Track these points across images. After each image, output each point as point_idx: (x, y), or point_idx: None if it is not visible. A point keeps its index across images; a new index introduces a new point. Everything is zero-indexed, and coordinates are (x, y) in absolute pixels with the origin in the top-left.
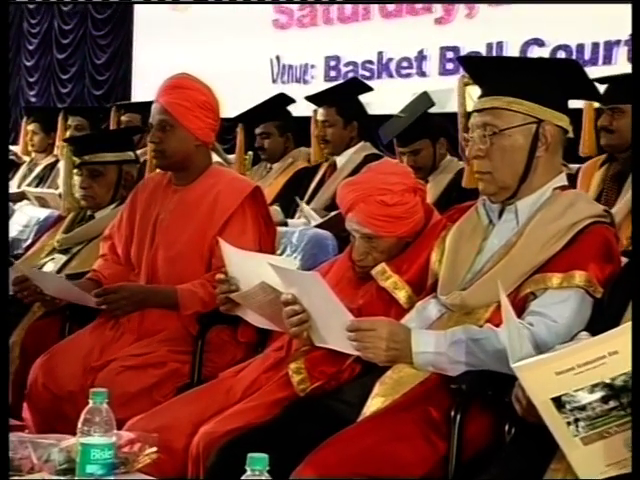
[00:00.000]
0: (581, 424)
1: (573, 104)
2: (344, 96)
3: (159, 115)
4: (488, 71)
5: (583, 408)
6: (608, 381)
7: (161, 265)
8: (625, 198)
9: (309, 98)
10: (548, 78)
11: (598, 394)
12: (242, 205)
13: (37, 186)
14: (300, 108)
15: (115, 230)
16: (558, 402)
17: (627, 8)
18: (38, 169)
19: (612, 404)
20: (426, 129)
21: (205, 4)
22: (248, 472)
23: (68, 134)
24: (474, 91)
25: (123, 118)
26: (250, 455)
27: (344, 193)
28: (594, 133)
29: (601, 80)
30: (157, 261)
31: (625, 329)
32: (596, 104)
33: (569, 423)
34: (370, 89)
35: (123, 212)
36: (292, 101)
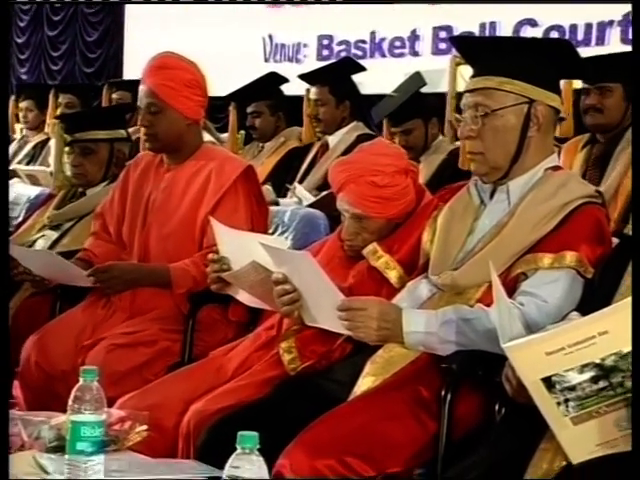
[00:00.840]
0: (571, 404)
1: None
2: (337, 75)
3: (147, 98)
4: (480, 51)
5: (573, 388)
6: (598, 361)
7: (153, 244)
8: (609, 180)
9: (302, 76)
10: (540, 58)
11: (588, 374)
12: (234, 184)
13: (28, 164)
14: (293, 87)
15: (107, 208)
16: (548, 382)
17: None
18: (29, 147)
19: (602, 384)
20: (418, 109)
21: (206, 4)
22: (238, 450)
23: (59, 112)
24: (466, 71)
25: (114, 96)
26: (240, 433)
27: (335, 173)
28: (572, 114)
29: (589, 59)
30: (149, 240)
31: (614, 309)
32: (576, 85)
33: (559, 403)
34: (363, 69)
35: (115, 190)
36: (284, 80)
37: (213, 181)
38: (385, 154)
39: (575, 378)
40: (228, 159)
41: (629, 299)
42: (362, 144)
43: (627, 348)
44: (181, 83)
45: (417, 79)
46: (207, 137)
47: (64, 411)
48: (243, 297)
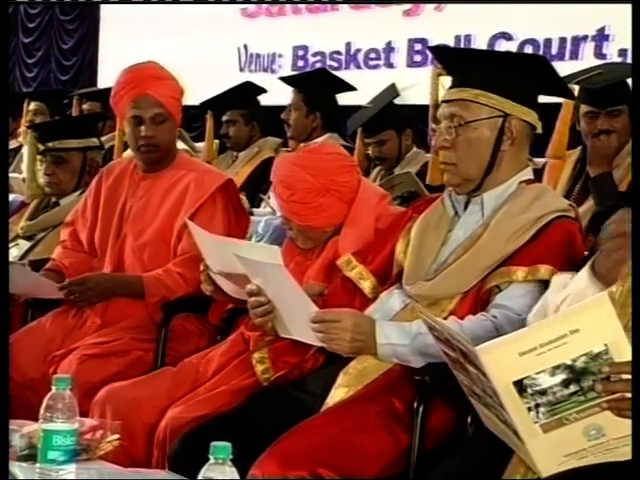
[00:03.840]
0: (541, 410)
1: (545, 99)
2: (310, 85)
3: (154, 109)
4: (457, 62)
5: (544, 392)
6: (569, 362)
7: (128, 253)
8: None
9: (282, 79)
10: (517, 73)
11: (559, 377)
12: (213, 195)
13: None
14: (268, 97)
15: (79, 216)
16: (520, 386)
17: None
18: None
19: (572, 388)
20: (392, 120)
21: (205, 4)
22: (211, 460)
23: (27, 119)
24: (447, 82)
25: (85, 106)
26: (213, 443)
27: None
28: (567, 134)
29: (602, 87)
30: (124, 249)
31: (584, 306)
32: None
33: (530, 409)
34: (344, 84)
35: (86, 198)
36: (260, 90)
37: (192, 191)
38: (308, 167)
39: (546, 381)
40: (208, 171)
41: (599, 295)
42: (309, 143)
43: (597, 348)
44: (178, 93)
45: (391, 91)
46: (181, 146)
47: (34, 419)
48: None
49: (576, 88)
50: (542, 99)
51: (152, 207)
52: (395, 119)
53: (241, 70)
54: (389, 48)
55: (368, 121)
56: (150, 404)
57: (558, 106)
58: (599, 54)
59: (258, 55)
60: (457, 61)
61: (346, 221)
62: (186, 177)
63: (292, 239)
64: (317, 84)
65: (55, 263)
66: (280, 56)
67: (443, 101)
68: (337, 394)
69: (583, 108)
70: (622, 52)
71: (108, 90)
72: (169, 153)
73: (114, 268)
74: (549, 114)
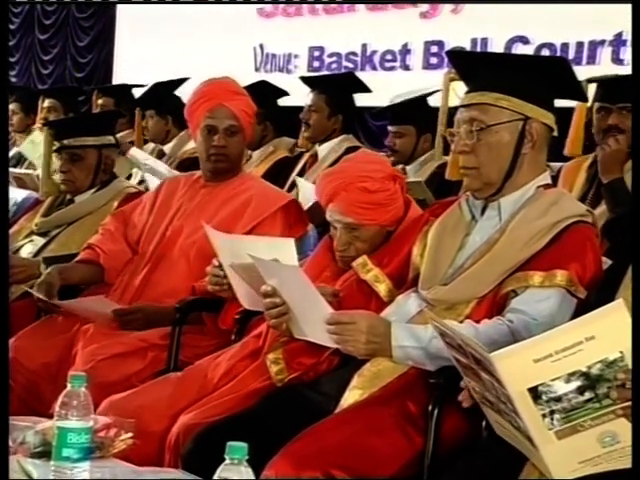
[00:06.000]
0: (556, 416)
1: (561, 102)
2: (337, 88)
3: (229, 120)
4: (476, 66)
5: (559, 399)
6: (584, 369)
7: (175, 251)
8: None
9: (303, 79)
10: (536, 75)
11: (574, 384)
12: (274, 213)
13: (15, 166)
14: (284, 98)
15: (136, 213)
16: (534, 393)
17: (612, 8)
18: (16, 149)
19: (587, 395)
20: (414, 116)
21: (206, 4)
22: (227, 460)
23: (42, 116)
24: (459, 87)
25: (99, 102)
26: (230, 444)
27: (324, 184)
28: (583, 133)
29: (614, 80)
30: (170, 248)
31: (601, 313)
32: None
33: (544, 415)
34: (367, 89)
35: (146, 199)
36: (276, 90)
37: (255, 204)
38: (371, 161)
39: (561, 388)
40: (271, 187)
41: (616, 302)
42: (346, 156)
43: (613, 355)
44: (252, 111)
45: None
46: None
47: (45, 412)
48: (243, 300)
49: (592, 90)
50: (556, 102)
51: (209, 211)
52: (418, 117)
53: (257, 70)
54: (405, 50)
55: (393, 107)
56: (152, 412)
57: (569, 110)
58: (616, 59)
59: (274, 55)
60: (475, 65)
61: (393, 238)
62: (250, 190)
63: (340, 259)
64: (342, 87)
65: (92, 251)
66: (296, 56)
67: (462, 106)
68: (351, 396)
69: (596, 105)
70: None
71: (124, 86)
72: (236, 166)
73: (152, 267)
74: (561, 118)
